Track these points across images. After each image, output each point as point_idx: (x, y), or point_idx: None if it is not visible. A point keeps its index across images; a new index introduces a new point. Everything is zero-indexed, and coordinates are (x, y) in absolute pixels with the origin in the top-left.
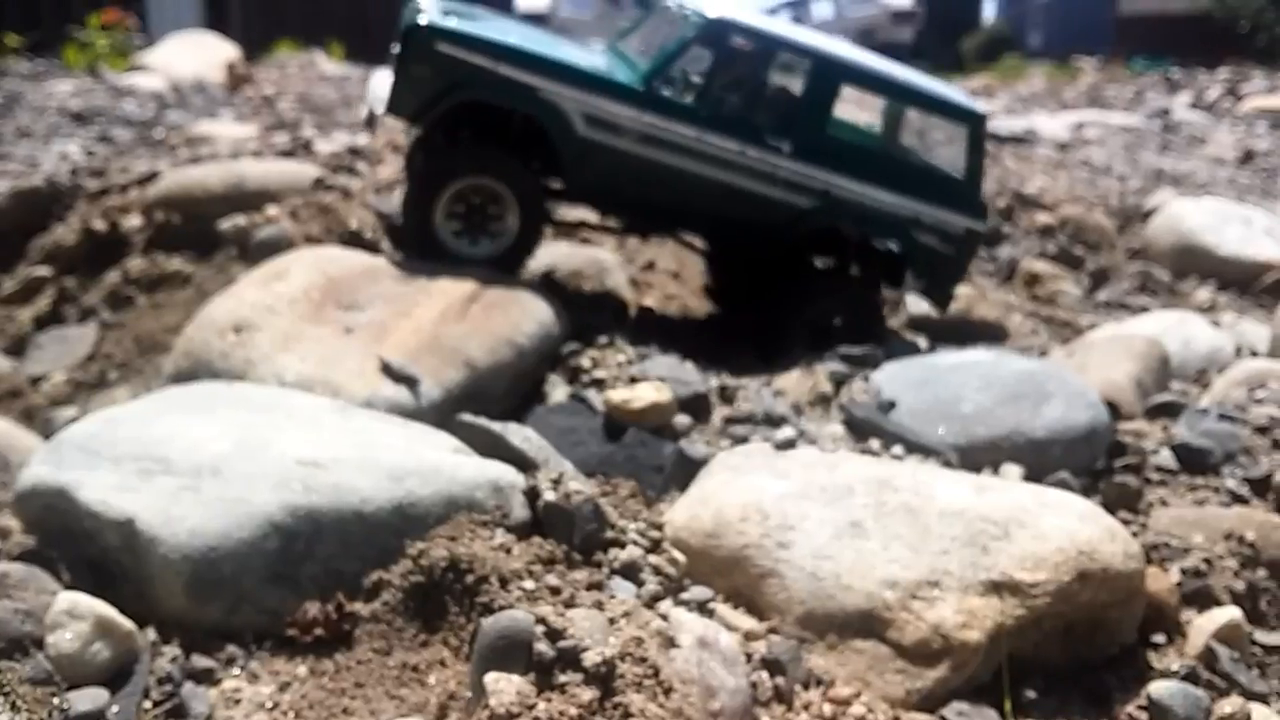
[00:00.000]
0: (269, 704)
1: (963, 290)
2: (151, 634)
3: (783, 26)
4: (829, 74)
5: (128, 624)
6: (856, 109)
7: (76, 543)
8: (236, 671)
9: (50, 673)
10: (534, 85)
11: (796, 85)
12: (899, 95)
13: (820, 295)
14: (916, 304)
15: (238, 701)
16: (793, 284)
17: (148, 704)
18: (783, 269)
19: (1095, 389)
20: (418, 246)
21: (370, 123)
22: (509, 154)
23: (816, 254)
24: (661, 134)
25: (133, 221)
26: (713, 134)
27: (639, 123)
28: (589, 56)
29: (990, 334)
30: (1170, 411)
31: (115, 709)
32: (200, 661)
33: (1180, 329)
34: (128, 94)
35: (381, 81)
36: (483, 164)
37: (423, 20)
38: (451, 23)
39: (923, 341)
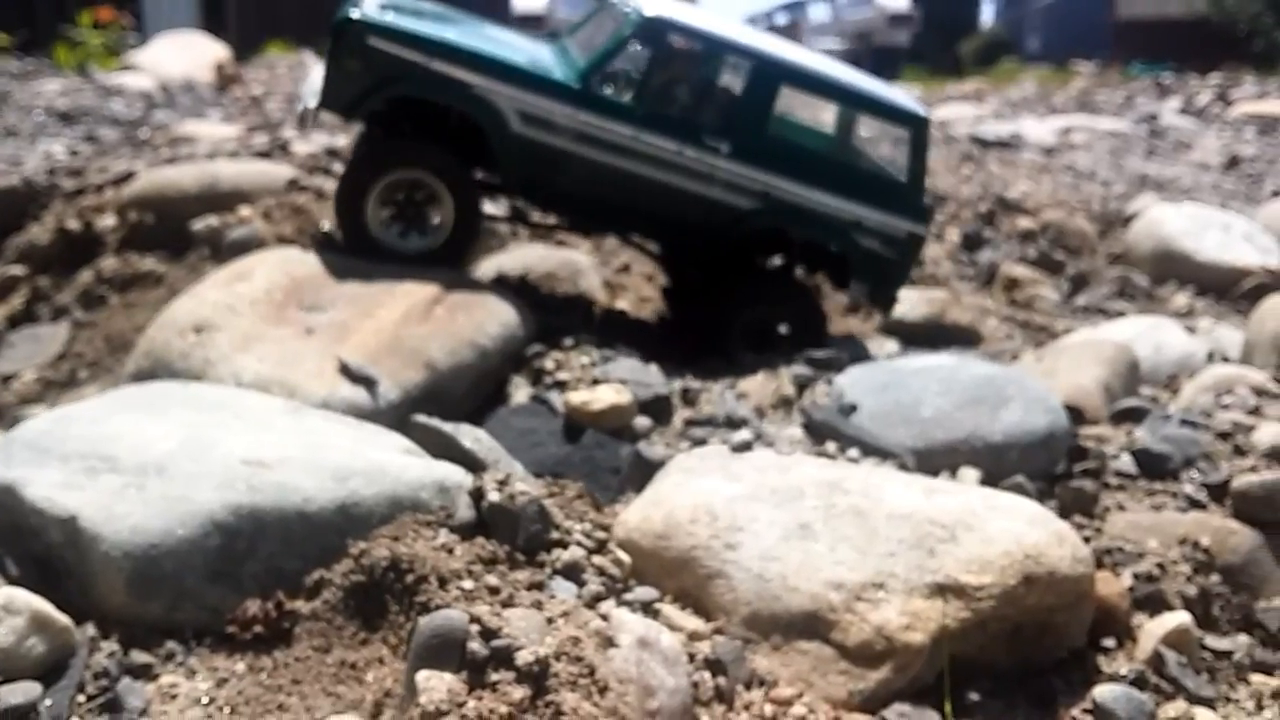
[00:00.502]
0: (205, 699)
1: (937, 294)
2: (91, 630)
3: (723, 25)
4: (768, 75)
5: (64, 619)
6: (802, 111)
7: (23, 539)
8: (174, 667)
9: None
10: (467, 82)
11: (736, 85)
12: (840, 97)
13: (761, 298)
14: None
15: (174, 697)
16: (736, 285)
17: (82, 698)
18: (728, 270)
19: (1061, 393)
20: (349, 240)
21: (304, 119)
22: (444, 148)
23: (760, 255)
24: (597, 132)
25: (107, 221)
26: (649, 133)
27: (575, 121)
28: (532, 52)
29: (963, 338)
30: (1135, 416)
31: (48, 703)
32: (139, 657)
33: (1153, 334)
34: (116, 94)
35: (315, 76)
36: (415, 157)
37: (354, 14)
38: (386, 17)
39: (893, 345)
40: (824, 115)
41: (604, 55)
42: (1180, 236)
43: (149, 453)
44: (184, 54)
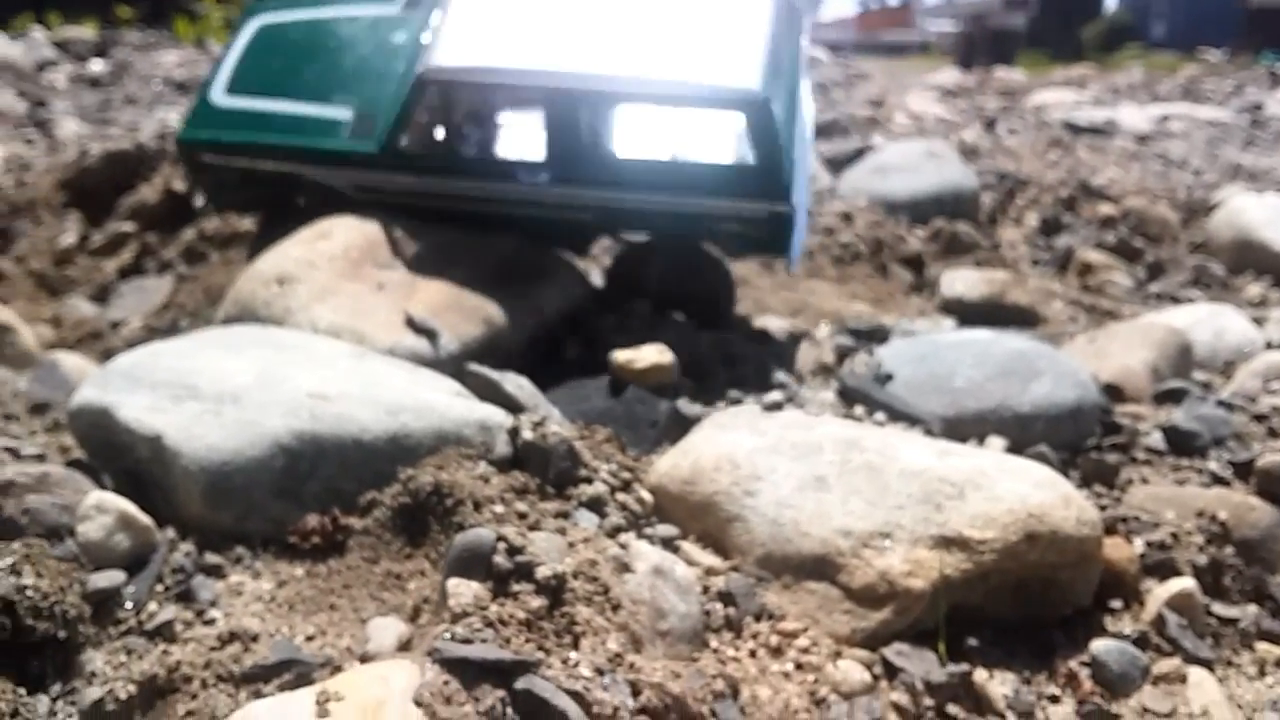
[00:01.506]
0: (266, 597)
1: (998, 275)
2: (171, 533)
3: (513, 57)
4: (566, 101)
5: (146, 520)
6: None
7: (117, 454)
8: (241, 569)
9: (78, 555)
10: (298, 173)
11: (540, 116)
12: (657, 99)
13: (659, 264)
14: (950, 286)
15: (240, 594)
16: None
17: (160, 587)
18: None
19: (1106, 373)
20: None
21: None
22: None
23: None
24: (420, 189)
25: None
26: (466, 180)
27: (396, 184)
28: (370, 78)
29: (1023, 319)
30: (1175, 397)
31: (131, 589)
32: (211, 558)
33: (1213, 321)
34: None
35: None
36: None
37: (184, 134)
38: (208, 129)
39: (950, 323)
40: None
41: (398, 120)
42: (1260, 226)
43: (226, 384)
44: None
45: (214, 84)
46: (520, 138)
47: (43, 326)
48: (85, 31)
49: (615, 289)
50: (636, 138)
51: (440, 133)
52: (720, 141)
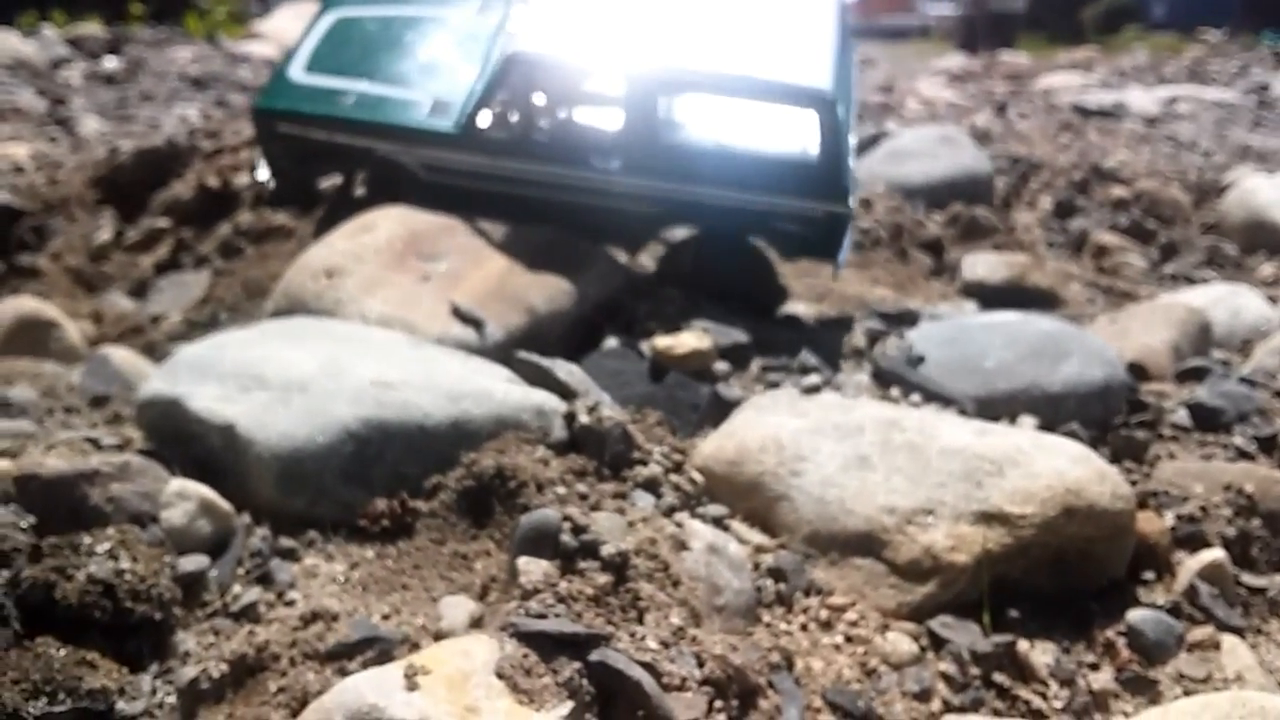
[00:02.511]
0: (341, 578)
1: (1018, 258)
2: (246, 518)
3: (595, 45)
4: (645, 90)
5: (227, 505)
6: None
7: (186, 444)
8: (315, 552)
9: (163, 540)
10: (371, 147)
11: (617, 103)
12: (731, 91)
13: (709, 258)
14: (971, 270)
15: (315, 575)
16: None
17: (241, 570)
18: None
19: (1129, 353)
20: None
21: (269, 191)
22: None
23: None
24: (491, 170)
25: (243, 179)
26: (539, 163)
27: (469, 164)
28: (446, 68)
29: (1043, 301)
30: (1198, 375)
31: (214, 572)
32: (286, 542)
33: (1231, 300)
34: (242, 61)
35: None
36: None
37: (263, 102)
38: (287, 100)
39: (972, 306)
40: (725, 108)
41: (479, 98)
42: (1272, 206)
43: (292, 373)
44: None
45: (292, 63)
46: (595, 125)
47: (84, 322)
48: (96, 29)
49: (659, 279)
50: (707, 132)
51: (517, 116)
52: (785, 141)
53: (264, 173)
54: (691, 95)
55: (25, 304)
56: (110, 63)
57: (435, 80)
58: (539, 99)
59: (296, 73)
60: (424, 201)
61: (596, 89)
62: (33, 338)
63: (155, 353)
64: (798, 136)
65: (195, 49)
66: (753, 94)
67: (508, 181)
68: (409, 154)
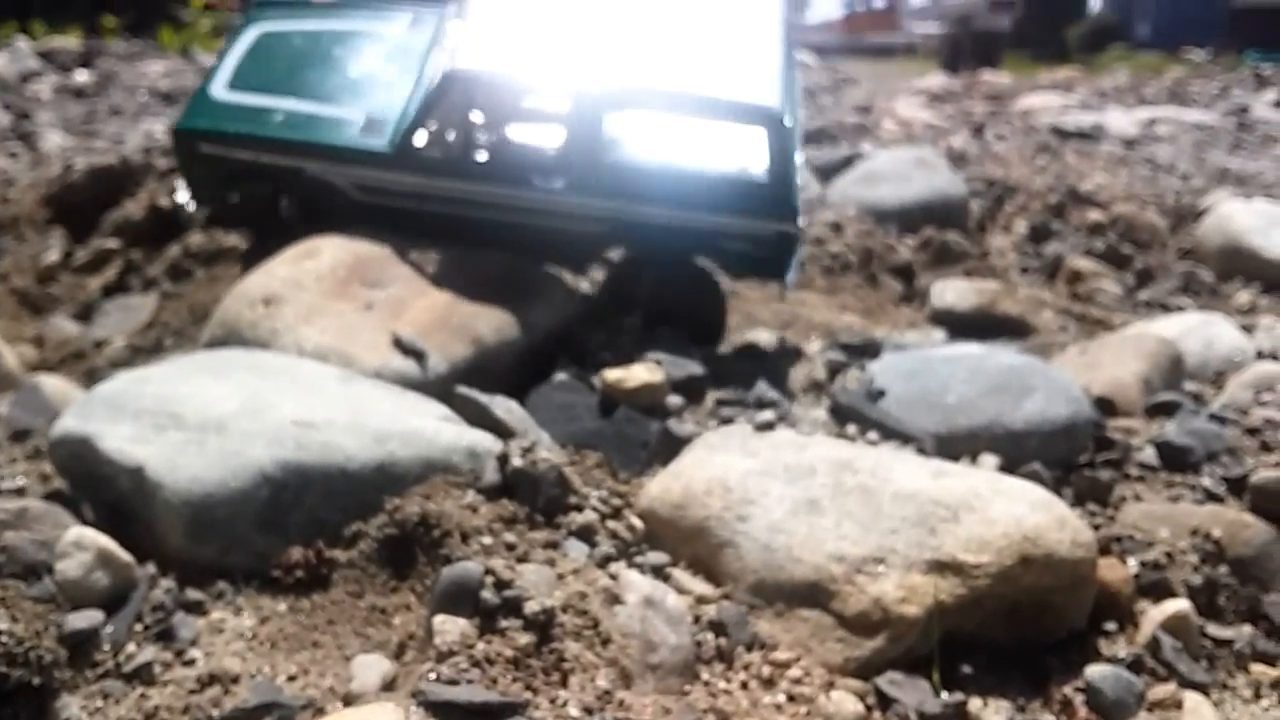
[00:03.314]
0: (248, 634)
1: (988, 285)
2: (152, 568)
3: (538, 62)
4: (589, 108)
5: (126, 556)
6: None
7: (98, 486)
8: (223, 605)
9: (55, 595)
10: (300, 167)
11: (560, 121)
12: (679, 109)
13: (654, 280)
14: (940, 297)
15: (221, 630)
16: (628, 267)
17: (139, 627)
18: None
19: (1098, 386)
20: None
21: (184, 214)
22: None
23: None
24: (428, 191)
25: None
26: (478, 183)
27: (404, 184)
28: (377, 86)
29: (1013, 329)
30: (1168, 410)
31: (109, 629)
32: (193, 594)
33: (1204, 330)
34: None
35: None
36: None
37: (184, 122)
38: (210, 120)
39: (940, 335)
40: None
41: (415, 117)
42: (1248, 233)
43: (211, 412)
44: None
45: (214, 80)
46: (536, 144)
47: (25, 346)
48: (70, 42)
49: (607, 305)
50: (652, 150)
51: (455, 135)
52: (731, 159)
53: (184, 195)
54: (637, 113)
55: None
56: (81, 76)
57: (367, 97)
58: (478, 117)
59: (219, 91)
60: (356, 225)
61: (538, 107)
62: None
63: (95, 380)
64: (744, 154)
65: (168, 63)
66: (700, 112)
67: (446, 202)
68: (341, 174)
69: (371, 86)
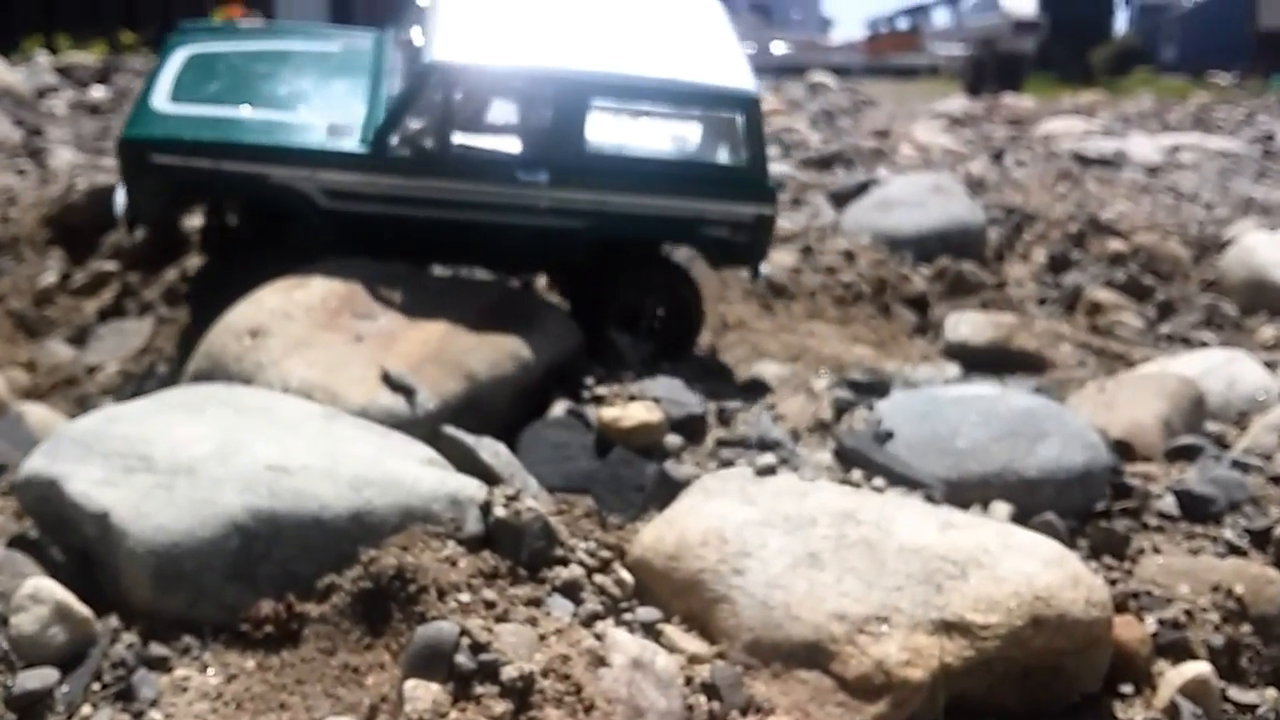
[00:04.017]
0: (213, 693)
1: (1004, 318)
2: (114, 621)
3: (517, 51)
4: (573, 94)
5: (85, 611)
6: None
7: (65, 531)
8: (189, 661)
9: (7, 652)
10: (264, 174)
11: (544, 112)
12: (658, 96)
13: (631, 283)
14: (954, 330)
15: (185, 689)
16: (605, 274)
17: (97, 686)
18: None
19: (1116, 428)
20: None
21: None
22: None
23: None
24: (405, 192)
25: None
26: (458, 181)
27: (380, 187)
28: (335, 87)
29: (1030, 364)
30: (1189, 454)
31: (64, 689)
32: (157, 650)
33: (1227, 369)
34: None
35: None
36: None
37: (132, 132)
38: (163, 128)
39: (954, 370)
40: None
41: (395, 112)
42: (1273, 266)
43: (182, 454)
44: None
45: (153, 93)
46: (518, 138)
47: (17, 371)
48: (88, 57)
49: (581, 304)
50: (630, 141)
51: (432, 132)
52: (706, 146)
53: (119, 207)
54: (616, 102)
55: None
56: (97, 92)
57: (324, 107)
58: (458, 111)
59: (162, 103)
60: (321, 234)
61: (519, 100)
62: None
63: (86, 407)
64: (720, 139)
65: None
66: (679, 98)
67: (421, 204)
68: (309, 180)
69: (326, 98)
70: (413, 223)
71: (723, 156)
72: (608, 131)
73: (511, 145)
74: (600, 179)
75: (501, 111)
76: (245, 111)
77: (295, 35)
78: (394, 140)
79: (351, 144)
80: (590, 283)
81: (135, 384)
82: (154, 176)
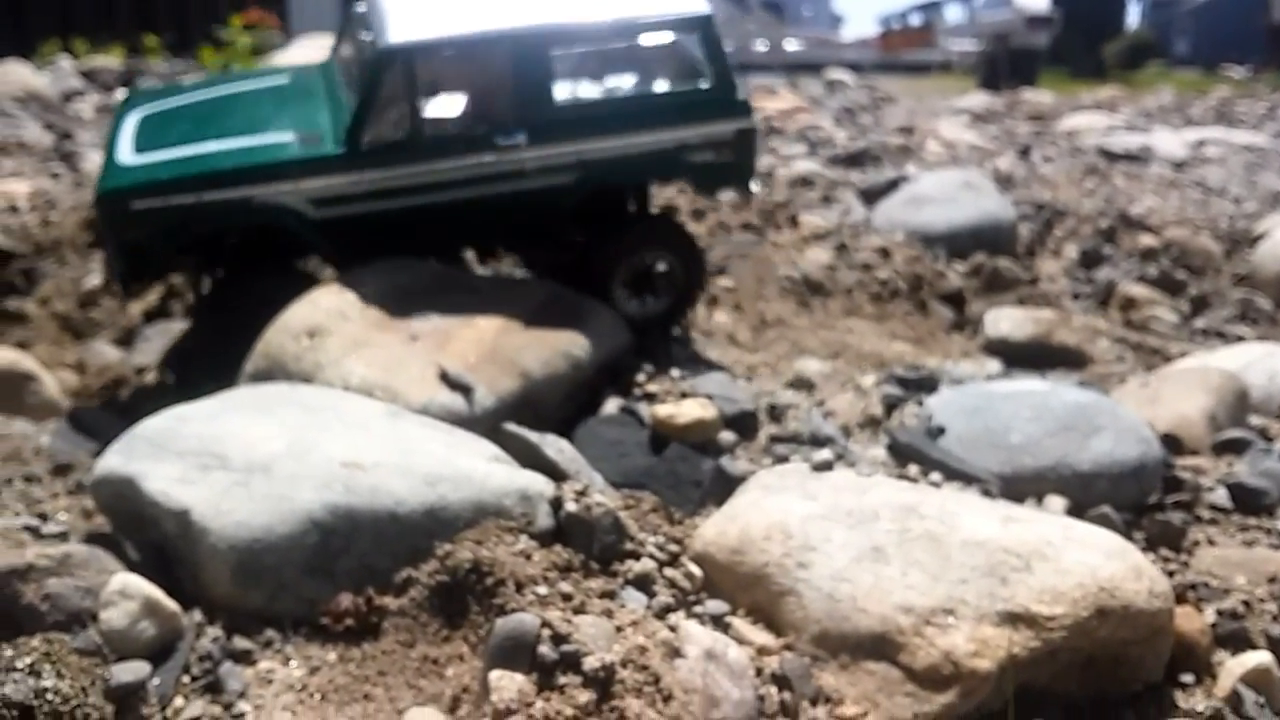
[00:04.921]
0: (298, 685)
1: (1044, 314)
2: (198, 615)
3: (468, 17)
4: (533, 49)
5: (173, 605)
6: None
7: (143, 528)
8: (272, 654)
9: (100, 646)
10: (248, 197)
11: (509, 74)
12: (614, 35)
13: (634, 244)
14: (994, 326)
15: (270, 681)
16: (603, 238)
17: (186, 679)
18: (594, 220)
19: (1162, 422)
20: None
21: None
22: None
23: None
24: (389, 183)
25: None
26: (439, 160)
27: (363, 183)
28: (292, 118)
29: (1070, 359)
30: (1237, 448)
31: (155, 681)
32: (240, 643)
33: (1267, 362)
34: None
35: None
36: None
37: (106, 185)
38: (136, 175)
39: (995, 365)
40: (612, 58)
41: (361, 108)
42: None
43: (256, 452)
44: (322, 53)
45: (117, 150)
46: (488, 103)
47: (66, 372)
48: (112, 60)
49: (582, 274)
50: (597, 86)
51: (403, 116)
52: (672, 75)
53: (110, 273)
54: (575, 49)
55: (2, 355)
56: (122, 94)
57: (289, 126)
58: (424, 90)
59: (128, 157)
60: (317, 248)
61: (482, 68)
62: (8, 391)
63: (134, 407)
64: (683, 65)
65: None
66: (635, 32)
67: (407, 193)
68: (292, 193)
69: (289, 119)
70: (403, 214)
71: (690, 81)
72: (574, 84)
73: (484, 114)
74: (577, 128)
75: (467, 83)
76: (215, 145)
77: (243, 78)
78: (367, 134)
79: (327, 148)
80: (588, 250)
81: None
82: (137, 225)
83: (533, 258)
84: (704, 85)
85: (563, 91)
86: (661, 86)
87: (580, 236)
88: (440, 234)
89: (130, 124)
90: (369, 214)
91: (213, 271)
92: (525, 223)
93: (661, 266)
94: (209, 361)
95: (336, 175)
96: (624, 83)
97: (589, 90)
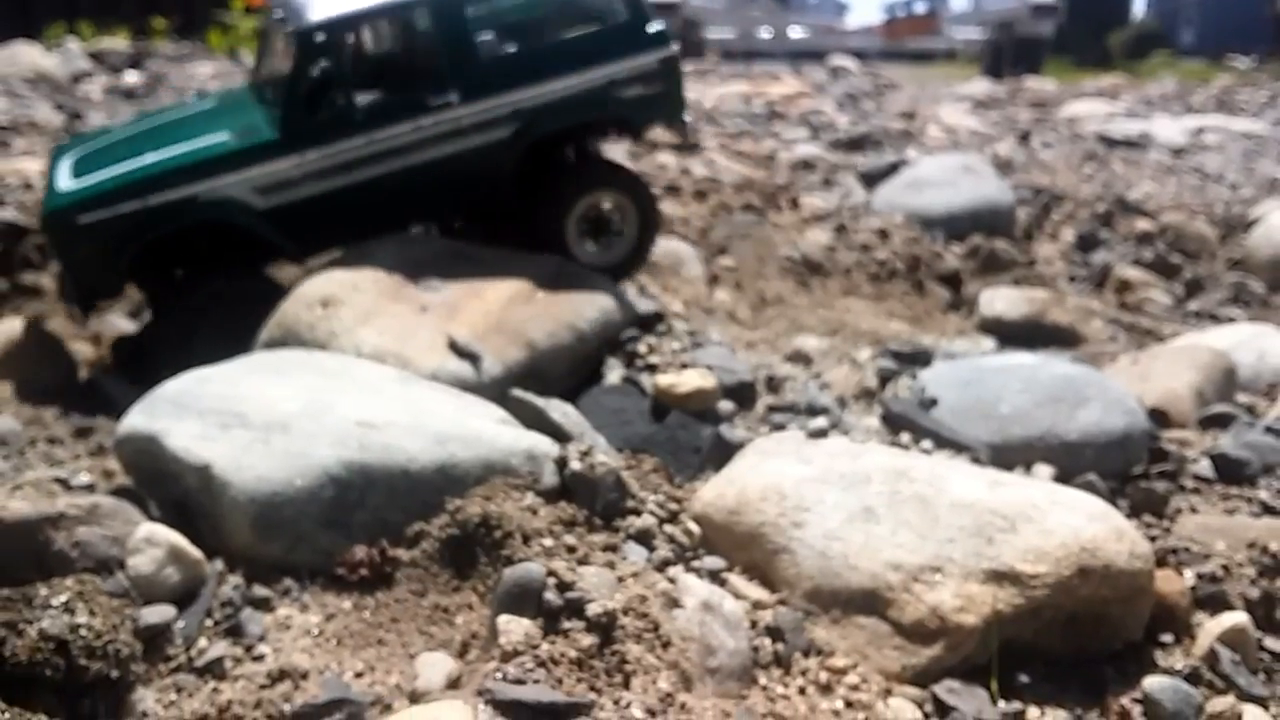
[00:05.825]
0: (315, 631)
1: (1038, 294)
2: (219, 564)
3: None
4: (452, 6)
5: (197, 553)
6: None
7: (164, 483)
8: (290, 601)
9: (128, 589)
10: (194, 195)
11: (431, 36)
12: None
13: (581, 187)
14: (989, 305)
15: (288, 627)
16: (551, 186)
17: (209, 622)
18: (537, 172)
19: (1151, 397)
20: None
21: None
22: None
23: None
24: (334, 161)
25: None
26: (378, 129)
27: (305, 166)
28: (225, 123)
29: (1063, 338)
30: (1222, 422)
31: (180, 624)
32: (259, 591)
33: (1256, 342)
34: None
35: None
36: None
37: (50, 206)
38: (79, 192)
39: (990, 343)
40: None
41: (291, 91)
42: None
43: (274, 411)
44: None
45: (57, 180)
46: (416, 72)
47: (82, 343)
48: (119, 43)
49: (536, 226)
50: (518, 36)
51: (334, 93)
52: (587, 16)
53: (69, 290)
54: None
55: (22, 325)
56: (131, 77)
57: (222, 129)
58: (351, 64)
59: (68, 183)
60: (269, 240)
61: (403, 34)
62: (29, 359)
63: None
64: (593, 8)
65: (216, 64)
66: None
67: (352, 168)
68: (237, 184)
69: (222, 123)
70: (349, 192)
71: (605, 18)
72: (496, 38)
73: (414, 79)
74: (506, 80)
75: (394, 51)
76: (153, 155)
77: (171, 107)
78: (301, 115)
79: (264, 135)
80: (536, 202)
81: None
82: (86, 239)
83: (487, 226)
84: (618, 19)
85: (488, 47)
86: (580, 23)
87: (526, 198)
88: (389, 208)
89: (67, 161)
90: (315, 196)
91: (167, 288)
92: (470, 186)
93: (608, 205)
94: (163, 358)
95: (278, 160)
96: (545, 25)
97: (511, 38)
